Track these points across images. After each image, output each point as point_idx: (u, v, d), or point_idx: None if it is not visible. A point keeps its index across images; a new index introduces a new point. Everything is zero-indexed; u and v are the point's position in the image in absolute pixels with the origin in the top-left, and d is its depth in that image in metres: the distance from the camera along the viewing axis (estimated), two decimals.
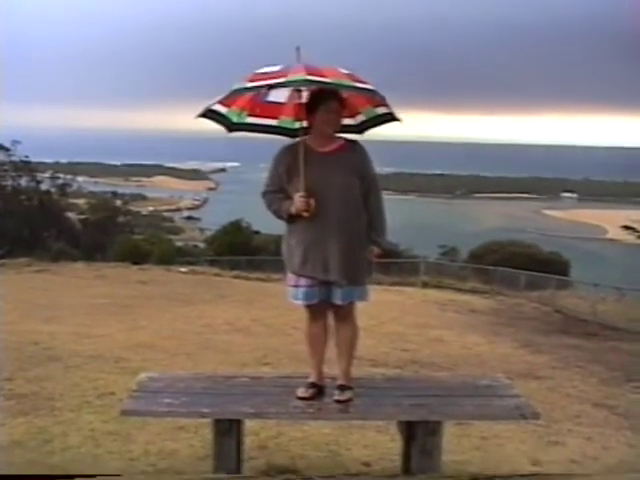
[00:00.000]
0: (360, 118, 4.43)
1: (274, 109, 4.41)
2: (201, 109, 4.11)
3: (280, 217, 4.26)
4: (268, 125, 4.48)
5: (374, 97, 4.10)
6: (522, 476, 3.06)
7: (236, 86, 3.91)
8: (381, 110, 4.27)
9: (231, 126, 4.35)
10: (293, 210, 4.13)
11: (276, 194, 4.26)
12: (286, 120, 4.45)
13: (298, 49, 3.97)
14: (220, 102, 4.09)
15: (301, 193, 4.09)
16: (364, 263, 4.27)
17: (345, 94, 4.15)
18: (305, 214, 4.10)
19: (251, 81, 3.88)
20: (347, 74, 3.93)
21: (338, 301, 4.22)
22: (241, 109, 4.31)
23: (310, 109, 4.17)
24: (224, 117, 4.28)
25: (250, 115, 4.39)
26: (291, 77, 3.79)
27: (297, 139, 4.26)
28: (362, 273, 4.27)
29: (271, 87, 3.96)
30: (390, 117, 4.28)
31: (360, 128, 4.47)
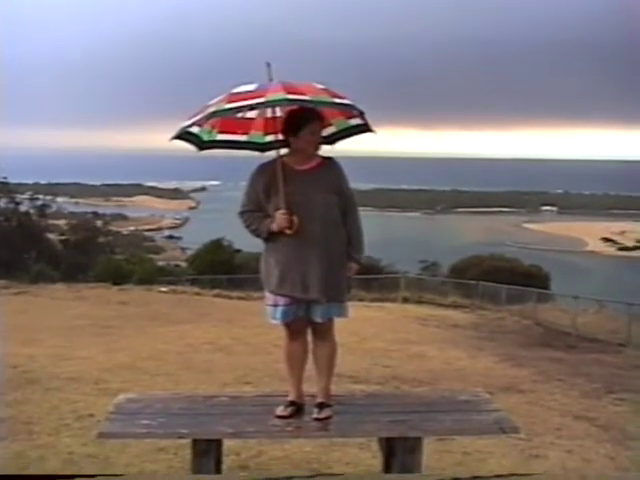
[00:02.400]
0: (331, 130, 4.39)
1: (244, 124, 4.38)
2: (176, 130, 4.10)
3: (258, 236, 4.24)
4: (238, 141, 4.46)
5: (351, 111, 4.12)
6: (499, 476, 3.06)
7: (214, 108, 3.86)
8: (354, 121, 4.26)
9: (202, 145, 4.33)
10: (274, 227, 4.11)
11: (254, 213, 4.24)
12: (256, 135, 4.44)
13: (269, 65, 3.97)
14: (197, 124, 4.07)
15: (282, 210, 4.08)
16: (343, 280, 4.26)
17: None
18: (288, 231, 4.08)
19: (229, 102, 3.85)
20: (323, 89, 3.93)
21: (317, 319, 4.21)
22: (212, 127, 4.29)
23: (293, 129, 4.15)
24: (195, 136, 4.26)
25: (220, 132, 4.37)
26: (271, 96, 3.77)
27: (272, 156, 4.25)
28: (341, 290, 4.25)
29: (252, 108, 3.94)
30: (364, 128, 4.27)
31: (331, 139, 4.43)
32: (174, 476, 4.71)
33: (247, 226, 4.26)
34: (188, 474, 4.17)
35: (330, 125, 4.37)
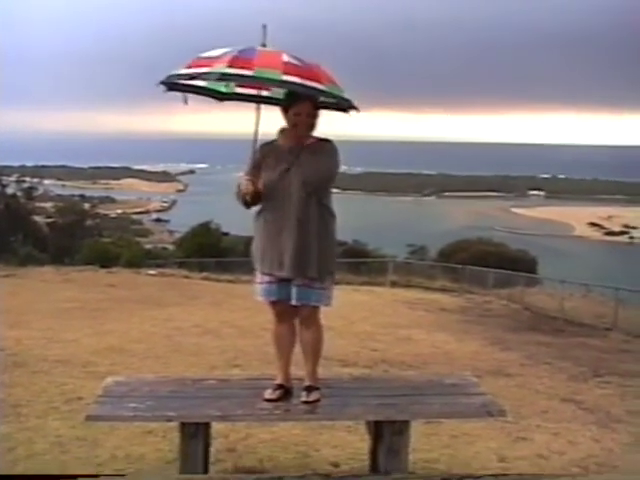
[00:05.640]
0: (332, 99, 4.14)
1: None
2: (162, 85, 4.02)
3: (242, 204, 4.21)
4: (261, 96, 4.29)
5: (307, 92, 3.90)
6: (493, 476, 3.06)
7: (174, 71, 3.89)
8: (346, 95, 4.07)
9: (221, 96, 4.33)
10: (240, 193, 4.14)
11: None
12: (278, 91, 4.22)
13: (264, 27, 3.91)
14: (185, 78, 3.96)
15: (246, 176, 4.11)
16: (321, 263, 4.17)
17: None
18: (247, 197, 4.11)
19: (188, 67, 3.85)
20: (285, 63, 3.78)
21: (294, 301, 4.20)
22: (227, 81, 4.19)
23: (285, 106, 4.14)
24: (207, 90, 4.24)
25: (239, 86, 4.32)
26: (214, 68, 3.72)
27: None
28: (319, 272, 4.16)
29: (192, 78, 3.88)
30: (349, 104, 4.09)
31: (324, 105, 4.21)
32: (179, 476, 4.72)
33: (236, 198, 4.25)
34: (176, 470, 4.17)
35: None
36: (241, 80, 3.87)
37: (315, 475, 3.37)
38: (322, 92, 3.88)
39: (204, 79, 3.91)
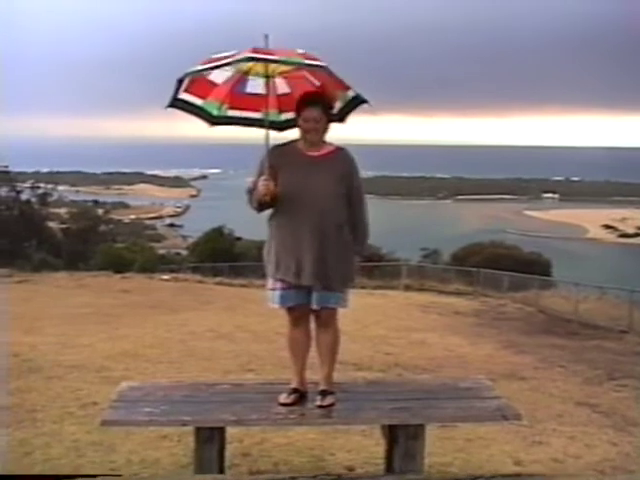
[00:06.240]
0: (338, 105, 4.25)
1: (255, 101, 4.26)
2: (168, 100, 4.10)
3: (254, 208, 4.20)
4: (252, 118, 4.34)
5: (325, 74, 3.99)
6: (505, 476, 3.04)
7: (189, 70, 3.91)
8: (351, 93, 4.15)
9: (212, 119, 4.29)
10: (257, 195, 4.09)
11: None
12: (273, 113, 4.32)
13: (266, 37, 3.91)
14: (187, 91, 4.08)
15: (264, 177, 4.06)
16: (341, 270, 4.19)
17: (318, 77, 4.12)
18: (266, 198, 4.07)
19: (203, 63, 3.89)
20: (301, 54, 3.88)
21: (314, 306, 4.20)
22: (220, 102, 4.24)
23: (296, 114, 4.16)
24: (201, 109, 4.23)
25: (231, 108, 4.32)
26: (237, 57, 3.78)
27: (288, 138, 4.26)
28: (337, 279, 4.18)
29: (217, 67, 3.90)
30: (360, 100, 4.17)
31: (340, 116, 4.29)
32: (175, 476, 4.72)
33: (247, 201, 4.24)
34: (189, 474, 4.18)
35: (337, 101, 4.24)
36: (266, 63, 3.90)
37: (327, 475, 3.37)
38: (327, 69, 3.95)
39: (229, 64, 3.91)
